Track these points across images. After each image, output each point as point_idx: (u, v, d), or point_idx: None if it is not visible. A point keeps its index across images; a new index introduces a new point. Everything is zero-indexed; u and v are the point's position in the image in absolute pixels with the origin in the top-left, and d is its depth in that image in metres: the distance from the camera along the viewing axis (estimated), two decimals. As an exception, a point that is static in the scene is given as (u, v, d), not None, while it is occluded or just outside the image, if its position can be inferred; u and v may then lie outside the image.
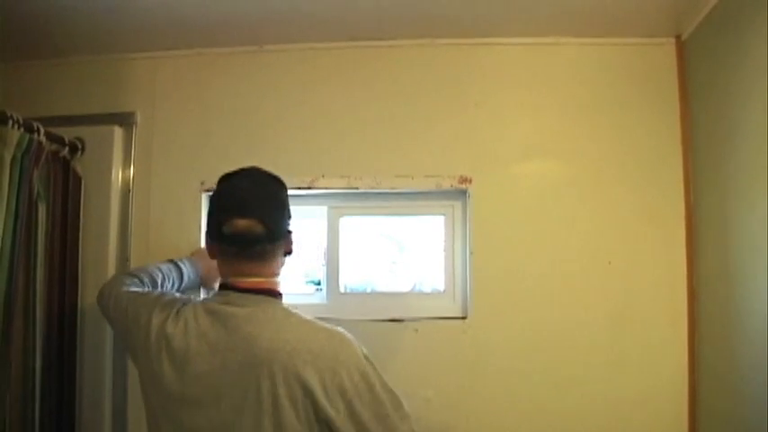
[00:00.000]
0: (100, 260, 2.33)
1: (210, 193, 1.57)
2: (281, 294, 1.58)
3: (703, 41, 2.19)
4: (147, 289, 1.82)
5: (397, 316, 2.30)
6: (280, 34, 2.42)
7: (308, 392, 1.39)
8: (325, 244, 2.50)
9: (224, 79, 2.49)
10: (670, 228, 2.30)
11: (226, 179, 1.62)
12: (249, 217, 1.50)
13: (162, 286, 1.91)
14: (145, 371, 1.56)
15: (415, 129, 2.41)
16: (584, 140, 2.36)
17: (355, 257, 2.54)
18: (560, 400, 2.26)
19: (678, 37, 2.35)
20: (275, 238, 1.55)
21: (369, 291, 2.57)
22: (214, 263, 2.15)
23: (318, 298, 2.49)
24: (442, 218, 2.48)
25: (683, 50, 2.33)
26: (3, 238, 1.85)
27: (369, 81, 2.45)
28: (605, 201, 2.33)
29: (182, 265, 2.04)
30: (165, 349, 1.50)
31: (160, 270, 1.94)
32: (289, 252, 1.64)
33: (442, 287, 2.46)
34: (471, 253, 2.34)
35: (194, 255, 2.20)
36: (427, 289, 2.54)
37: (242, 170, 1.62)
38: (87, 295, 2.27)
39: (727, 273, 2.01)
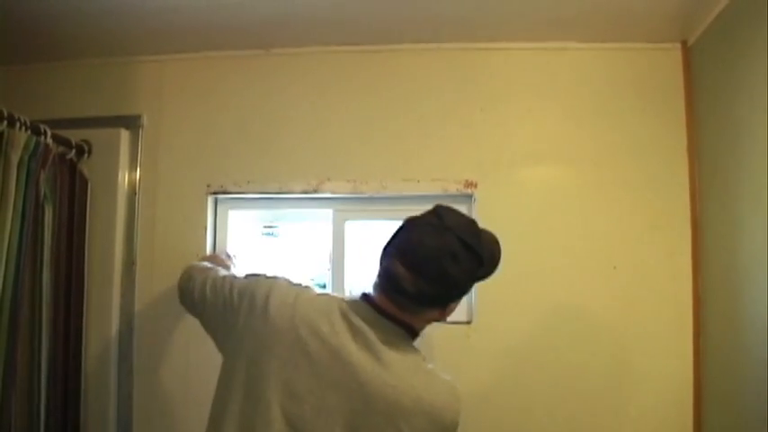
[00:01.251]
0: (106, 262, 2.34)
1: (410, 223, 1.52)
2: (415, 331, 1.52)
3: (709, 47, 2.19)
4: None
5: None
6: (286, 38, 2.42)
7: None
8: (330, 248, 2.50)
9: (231, 83, 2.50)
10: (676, 233, 2.29)
11: (432, 214, 1.52)
12: (408, 269, 1.42)
13: None
14: (249, 345, 1.48)
15: (420, 133, 2.41)
16: (589, 145, 2.36)
17: (361, 261, 2.54)
18: (565, 406, 2.25)
19: (684, 42, 2.35)
20: (423, 304, 1.47)
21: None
22: (222, 267, 2.16)
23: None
24: (447, 222, 2.47)
25: (689, 56, 2.33)
26: (9, 240, 1.86)
27: (375, 85, 2.45)
28: (611, 206, 2.32)
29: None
30: (282, 327, 1.45)
31: (212, 267, 1.90)
32: (441, 319, 1.55)
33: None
34: (476, 257, 2.33)
35: (206, 260, 2.17)
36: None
37: (454, 216, 1.51)
38: (93, 297, 2.28)
39: (733, 279, 2.00)
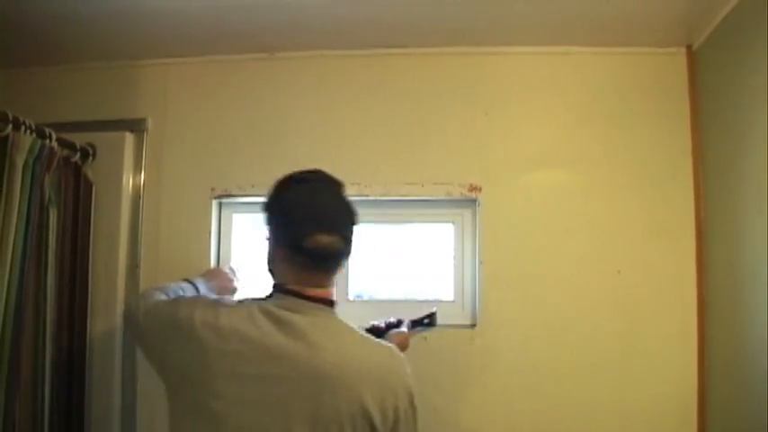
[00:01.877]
0: (110, 265, 2.34)
1: (277, 196, 1.54)
2: (335, 303, 1.56)
3: (714, 51, 2.19)
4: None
5: (407, 323, 2.30)
6: (290, 42, 2.43)
7: (365, 413, 1.39)
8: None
9: (235, 86, 2.50)
10: (680, 237, 2.29)
11: (299, 184, 1.58)
12: (333, 233, 1.48)
13: None
14: (186, 374, 1.47)
15: (425, 137, 2.41)
16: (594, 150, 2.36)
17: (365, 265, 2.54)
18: (570, 410, 2.25)
19: (689, 47, 2.35)
20: (349, 253, 1.54)
21: (377, 298, 2.56)
22: (226, 282, 2.17)
23: (327, 305, 2.48)
24: (451, 226, 2.48)
25: (694, 60, 2.33)
26: (14, 243, 1.86)
27: (379, 89, 2.46)
28: (615, 210, 2.32)
29: (198, 285, 1.98)
30: (215, 346, 1.43)
31: (181, 288, 1.88)
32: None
33: (451, 295, 2.46)
34: (481, 262, 2.34)
35: (206, 275, 2.16)
36: (436, 297, 2.52)
37: (313, 175, 1.60)
38: (97, 300, 2.28)
39: (738, 283, 2.00)
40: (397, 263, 2.59)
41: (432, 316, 2.25)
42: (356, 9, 2.16)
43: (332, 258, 1.50)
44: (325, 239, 1.46)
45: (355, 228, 1.55)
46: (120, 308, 2.31)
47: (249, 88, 2.50)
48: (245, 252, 2.56)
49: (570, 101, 2.40)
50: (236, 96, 2.50)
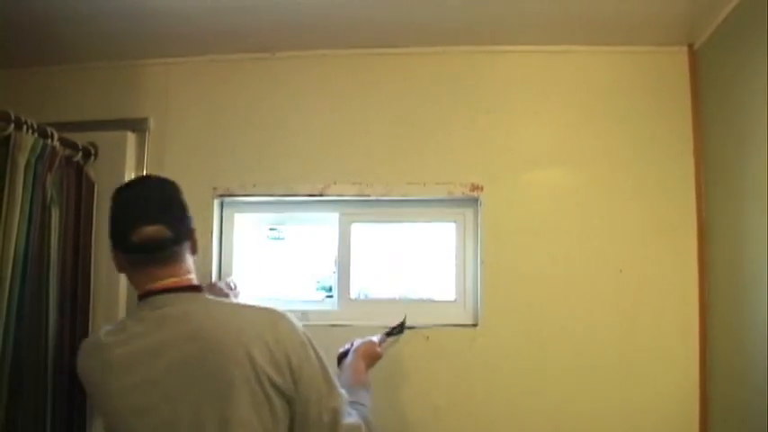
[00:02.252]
0: (112, 265, 2.31)
1: (111, 206, 1.58)
2: (200, 288, 1.58)
3: (716, 50, 2.19)
4: None
5: (408, 323, 2.30)
6: (291, 41, 2.43)
7: (261, 371, 1.40)
8: (336, 251, 2.50)
9: (236, 86, 2.51)
10: (682, 237, 2.29)
11: (122, 190, 1.62)
12: (154, 223, 1.50)
13: None
14: (97, 394, 1.55)
15: (426, 136, 2.41)
16: (595, 149, 2.36)
17: (366, 264, 2.54)
18: (571, 409, 2.25)
19: (690, 46, 2.35)
20: (180, 240, 1.55)
21: (379, 297, 2.56)
22: (221, 296, 2.18)
23: (329, 304, 2.49)
24: (453, 225, 2.48)
25: (696, 59, 2.33)
26: (16, 242, 1.86)
27: (381, 88, 2.46)
28: (617, 209, 2.32)
29: None
30: (104, 367, 1.49)
31: None
32: (194, 251, 1.64)
33: (452, 295, 2.46)
34: (482, 261, 2.34)
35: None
36: (438, 296, 2.52)
37: (135, 180, 1.70)
38: (99, 299, 2.28)
39: (739, 282, 2.00)
40: (398, 262, 2.59)
41: (402, 324, 2.18)
42: (357, 9, 2.16)
43: (163, 247, 1.51)
44: (149, 230, 1.49)
45: (184, 216, 1.59)
46: (121, 308, 2.32)
47: (250, 88, 2.50)
48: (247, 252, 2.57)
49: (572, 100, 2.39)
50: (237, 96, 2.50)
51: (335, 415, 1.47)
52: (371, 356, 1.93)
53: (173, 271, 1.54)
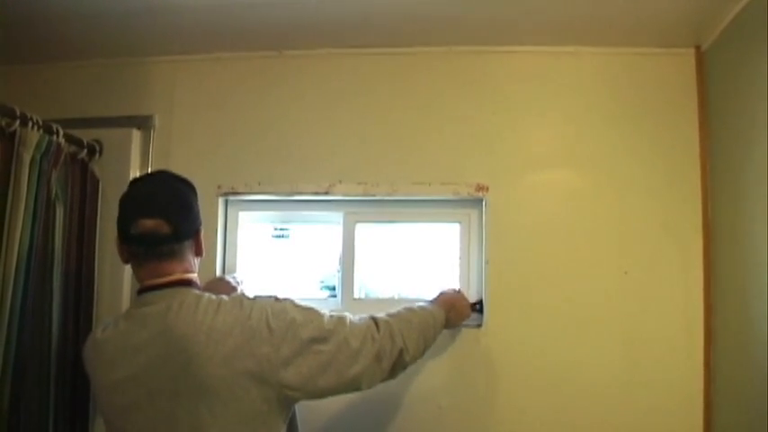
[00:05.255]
0: (116, 261, 2.29)
1: (121, 196, 1.61)
2: (194, 283, 1.60)
3: (723, 52, 2.18)
4: None
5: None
6: (299, 40, 2.42)
7: (236, 360, 1.42)
8: (340, 250, 2.50)
9: (243, 84, 2.50)
10: (687, 239, 2.28)
11: (134, 182, 1.69)
12: (155, 217, 1.53)
13: None
14: (93, 389, 1.62)
15: (432, 136, 2.40)
16: (601, 150, 2.35)
17: (371, 264, 2.54)
18: (575, 411, 2.24)
19: (698, 47, 2.34)
20: (181, 238, 1.57)
21: (383, 297, 2.56)
22: (228, 292, 2.18)
23: (333, 304, 2.48)
24: (457, 226, 2.48)
25: (703, 61, 2.32)
26: (21, 239, 1.86)
27: (387, 88, 2.45)
28: (622, 211, 2.31)
29: None
30: (98, 363, 1.55)
31: None
32: (199, 254, 1.66)
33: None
34: (487, 262, 2.33)
35: (207, 286, 2.16)
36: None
37: (150, 173, 1.69)
38: (103, 297, 2.28)
39: (745, 285, 1.99)
40: (402, 262, 2.59)
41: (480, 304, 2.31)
42: (365, 7, 2.15)
43: (160, 242, 1.53)
44: (148, 223, 1.52)
45: (189, 215, 1.62)
46: (125, 305, 2.32)
47: (257, 86, 2.50)
48: (252, 251, 2.56)
49: (579, 101, 2.39)
50: (243, 94, 2.50)
51: (334, 327, 1.58)
52: (461, 313, 2.12)
53: (170, 268, 1.56)
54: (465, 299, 2.20)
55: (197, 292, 1.57)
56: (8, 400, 1.80)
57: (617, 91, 2.38)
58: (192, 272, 1.62)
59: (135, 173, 2.41)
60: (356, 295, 2.49)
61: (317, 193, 2.40)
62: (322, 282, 2.61)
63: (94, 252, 2.26)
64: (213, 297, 1.54)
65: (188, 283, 1.58)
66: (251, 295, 1.58)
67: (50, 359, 2.02)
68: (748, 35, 1.96)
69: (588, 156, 2.35)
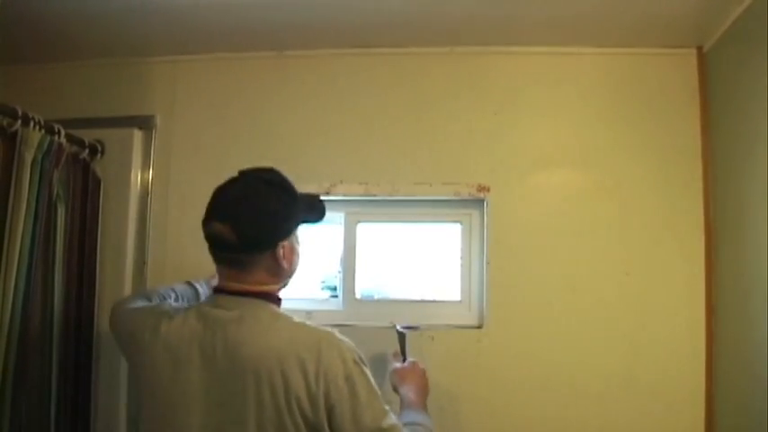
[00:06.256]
0: (118, 262, 2.34)
1: None
2: (273, 297, 1.54)
3: (725, 53, 2.18)
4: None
5: (412, 323, 2.30)
6: (299, 40, 2.42)
7: (293, 399, 1.37)
8: (341, 250, 2.50)
9: (243, 84, 2.51)
10: (689, 239, 2.28)
11: (231, 179, 1.58)
12: (223, 221, 1.45)
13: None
14: (143, 382, 1.54)
15: (433, 136, 2.41)
16: (603, 150, 2.35)
17: (372, 264, 2.54)
18: (576, 412, 2.24)
19: (700, 48, 2.34)
20: (250, 248, 1.48)
21: (384, 298, 2.56)
22: None
23: (334, 304, 2.49)
24: (458, 226, 2.48)
25: (705, 61, 2.32)
26: (22, 239, 1.86)
27: (388, 88, 2.45)
28: (624, 211, 2.31)
29: (198, 286, 2.01)
30: (158, 354, 1.48)
31: (173, 290, 1.90)
32: (280, 266, 1.53)
33: (458, 296, 2.45)
34: (488, 262, 2.33)
35: (212, 278, 2.17)
36: (443, 297, 2.51)
37: (247, 171, 1.59)
38: (105, 297, 2.28)
39: (747, 286, 1.98)
40: (403, 263, 2.59)
41: (401, 334, 2.13)
42: (366, 8, 2.16)
43: (226, 249, 1.47)
44: (216, 227, 1.46)
45: (266, 226, 1.49)
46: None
47: (258, 86, 2.50)
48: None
49: (580, 101, 2.39)
50: (244, 94, 2.50)
51: None
52: (411, 375, 1.89)
53: (238, 277, 1.50)
54: (422, 375, 1.93)
55: (274, 309, 1.51)
56: (10, 399, 1.80)
57: (619, 91, 2.38)
58: (266, 284, 1.52)
59: (136, 173, 2.42)
60: (357, 296, 2.49)
61: (317, 193, 2.39)
62: (323, 282, 2.60)
63: (96, 252, 2.27)
64: (293, 320, 1.48)
65: (264, 296, 1.51)
66: (331, 329, 1.48)
67: (52, 358, 2.02)
68: (750, 36, 1.96)
69: (590, 156, 2.35)
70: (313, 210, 1.67)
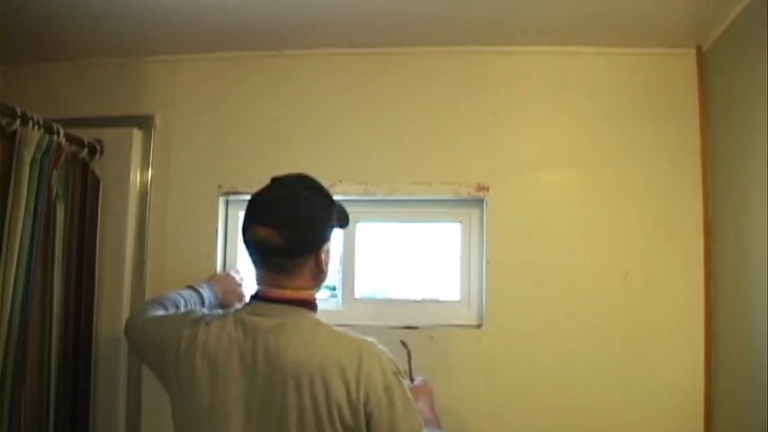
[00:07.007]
0: (117, 261, 2.34)
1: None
2: (312, 304, 1.55)
3: (724, 53, 2.18)
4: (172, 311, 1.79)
5: (412, 323, 2.30)
6: (299, 40, 2.42)
7: (334, 406, 1.38)
8: (341, 249, 2.50)
9: (243, 83, 2.50)
10: (688, 240, 2.28)
11: (271, 184, 1.57)
12: (269, 226, 1.45)
13: None
14: (177, 390, 1.52)
15: (433, 136, 2.40)
16: (602, 150, 2.35)
17: (371, 263, 2.54)
18: (575, 412, 2.24)
19: (699, 48, 2.33)
20: (295, 253, 1.49)
21: (384, 297, 2.56)
22: (231, 287, 2.19)
23: (333, 304, 2.48)
24: (458, 225, 2.48)
25: (704, 61, 2.32)
26: (21, 238, 1.87)
27: (387, 87, 2.45)
28: (623, 211, 2.31)
29: (201, 291, 2.01)
30: (197, 361, 1.48)
31: (181, 296, 1.90)
32: (320, 272, 1.56)
33: (457, 295, 2.45)
34: (487, 262, 2.33)
35: (211, 279, 2.19)
36: (443, 297, 2.51)
37: (289, 176, 1.58)
38: (104, 296, 2.29)
39: (746, 286, 1.99)
40: (403, 262, 2.59)
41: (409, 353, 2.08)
42: (366, 7, 2.15)
43: (271, 254, 1.48)
44: (261, 232, 1.46)
45: (309, 230, 1.51)
46: (126, 304, 2.33)
47: (257, 85, 2.50)
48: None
49: (579, 101, 2.38)
50: (244, 93, 2.50)
51: None
52: (424, 393, 1.88)
53: (283, 282, 1.51)
54: (431, 392, 1.94)
55: (314, 317, 1.52)
56: (9, 399, 1.81)
57: (618, 91, 2.38)
58: (307, 289, 1.54)
59: (135, 172, 2.42)
60: (357, 295, 2.49)
61: (317, 193, 2.39)
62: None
63: (95, 251, 2.27)
64: (333, 328, 1.49)
65: (305, 304, 1.52)
66: (371, 339, 1.50)
67: (51, 358, 2.02)
68: (749, 36, 1.96)
69: (589, 156, 2.35)
70: (342, 215, 1.67)
